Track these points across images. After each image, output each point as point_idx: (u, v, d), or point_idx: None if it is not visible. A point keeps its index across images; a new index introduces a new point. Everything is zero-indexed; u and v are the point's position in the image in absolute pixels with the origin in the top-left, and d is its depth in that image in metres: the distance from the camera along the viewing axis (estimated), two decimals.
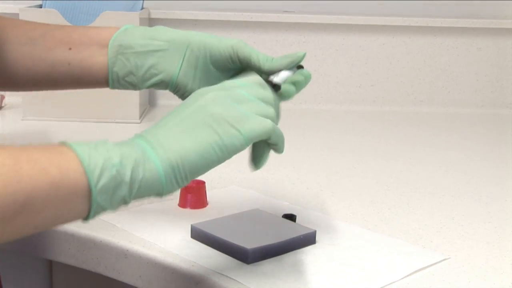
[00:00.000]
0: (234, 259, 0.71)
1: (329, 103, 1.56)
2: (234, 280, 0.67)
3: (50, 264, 1.11)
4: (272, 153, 0.66)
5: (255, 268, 0.70)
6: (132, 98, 1.32)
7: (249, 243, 0.71)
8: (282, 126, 0.66)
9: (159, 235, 0.77)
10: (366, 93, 1.58)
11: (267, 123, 0.62)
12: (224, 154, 0.60)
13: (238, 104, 0.62)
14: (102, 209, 0.55)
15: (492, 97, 1.61)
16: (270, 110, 0.64)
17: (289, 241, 0.74)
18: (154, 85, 0.74)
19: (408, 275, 0.70)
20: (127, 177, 0.55)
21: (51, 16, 1.31)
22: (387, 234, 0.81)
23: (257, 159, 0.66)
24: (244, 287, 0.66)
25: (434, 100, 1.59)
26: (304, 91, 0.72)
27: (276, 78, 0.70)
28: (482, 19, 1.58)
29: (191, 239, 0.76)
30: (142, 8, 1.41)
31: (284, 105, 0.69)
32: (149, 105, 1.51)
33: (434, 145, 1.28)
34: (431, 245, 0.79)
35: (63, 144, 0.55)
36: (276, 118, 0.65)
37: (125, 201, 0.56)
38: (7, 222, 0.49)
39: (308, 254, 0.74)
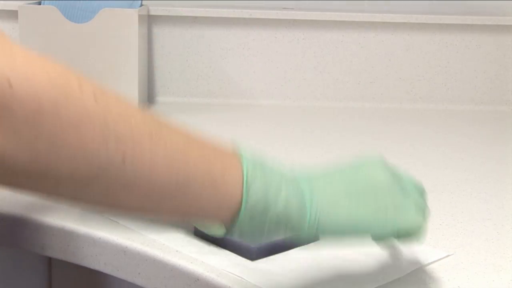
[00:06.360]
0: (238, 256, 0.71)
1: (328, 100, 1.55)
2: (238, 276, 0.67)
3: (49, 262, 1.11)
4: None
5: (259, 265, 0.70)
6: (130, 95, 1.32)
7: None
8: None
9: (162, 233, 0.77)
10: (365, 90, 1.57)
11: (420, 221, 0.62)
12: (365, 231, 0.61)
13: (403, 193, 0.62)
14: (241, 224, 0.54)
15: (491, 94, 1.61)
16: (424, 207, 0.64)
17: (293, 237, 0.74)
18: None
19: (410, 271, 0.70)
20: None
21: (50, 13, 1.31)
22: None
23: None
24: (247, 283, 0.66)
25: (433, 97, 1.59)
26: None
27: None
28: (481, 16, 1.57)
29: (195, 236, 0.76)
30: (141, 5, 1.41)
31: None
32: (148, 102, 1.51)
33: (433, 142, 1.28)
34: (430, 242, 0.78)
35: (234, 152, 0.55)
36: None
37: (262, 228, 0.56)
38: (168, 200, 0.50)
39: (312, 250, 0.74)
